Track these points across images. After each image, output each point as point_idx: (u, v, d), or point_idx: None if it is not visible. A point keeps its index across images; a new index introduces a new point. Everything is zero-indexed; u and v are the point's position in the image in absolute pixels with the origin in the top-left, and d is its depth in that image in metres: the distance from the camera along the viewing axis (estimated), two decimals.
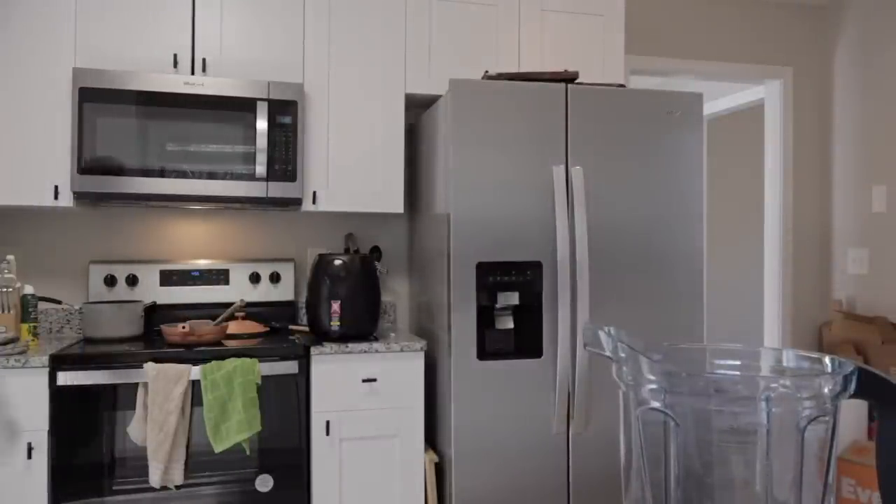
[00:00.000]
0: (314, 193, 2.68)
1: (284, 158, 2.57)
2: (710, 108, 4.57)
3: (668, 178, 2.55)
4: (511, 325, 2.43)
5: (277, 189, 2.57)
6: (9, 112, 2.43)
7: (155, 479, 2.18)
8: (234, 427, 2.22)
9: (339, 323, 2.51)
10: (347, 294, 2.53)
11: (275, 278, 2.88)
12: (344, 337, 2.52)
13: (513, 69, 2.83)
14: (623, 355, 0.51)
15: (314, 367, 2.42)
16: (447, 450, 2.44)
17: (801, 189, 3.85)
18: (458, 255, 2.37)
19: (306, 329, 2.73)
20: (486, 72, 2.56)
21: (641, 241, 2.53)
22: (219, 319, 2.52)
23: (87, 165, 2.41)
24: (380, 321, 2.75)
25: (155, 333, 2.63)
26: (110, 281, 2.71)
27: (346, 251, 2.88)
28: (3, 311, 2.35)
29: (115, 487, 2.23)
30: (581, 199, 2.44)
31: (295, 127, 2.58)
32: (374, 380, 2.46)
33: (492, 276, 2.38)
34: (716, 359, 0.58)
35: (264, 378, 2.31)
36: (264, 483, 2.35)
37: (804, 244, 3.84)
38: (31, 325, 2.48)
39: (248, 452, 2.29)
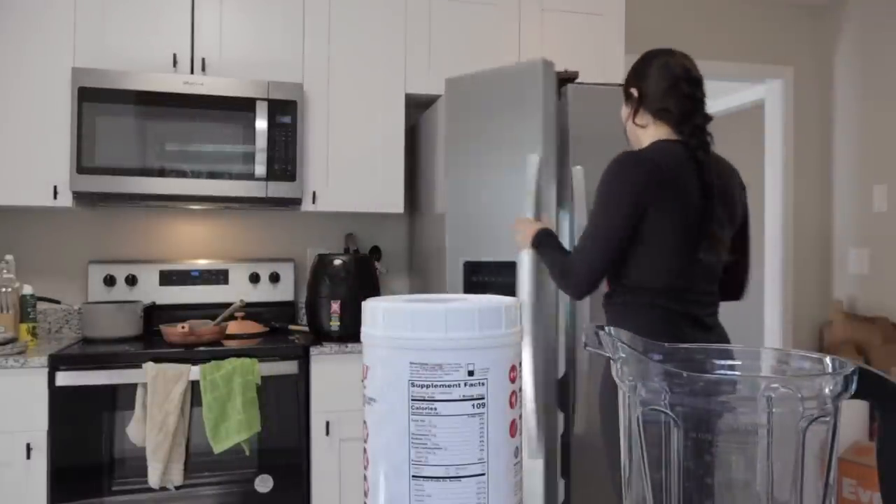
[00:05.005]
0: (314, 193, 2.67)
1: (284, 158, 2.57)
2: (710, 107, 4.55)
3: None
4: None
5: (277, 189, 2.56)
6: (8, 112, 2.43)
7: (154, 479, 2.17)
8: (234, 427, 2.22)
9: (338, 323, 2.51)
10: (347, 294, 2.52)
11: (274, 278, 2.88)
12: (344, 337, 2.51)
13: None
14: (623, 355, 0.51)
15: (314, 367, 2.41)
16: None
17: (801, 188, 3.84)
18: (453, 255, 2.37)
19: (306, 329, 2.72)
20: None
21: None
22: (218, 319, 2.52)
23: (87, 165, 2.40)
24: None
25: (154, 333, 2.63)
26: (109, 281, 2.71)
27: (346, 251, 2.88)
28: (2, 311, 2.34)
29: (114, 488, 2.23)
30: (581, 198, 2.43)
31: (295, 127, 2.58)
32: None
33: (475, 276, 2.37)
34: (716, 359, 0.58)
35: (264, 378, 2.30)
36: (264, 483, 2.35)
37: (805, 244, 3.84)
38: (30, 325, 2.48)
39: (247, 453, 2.29)
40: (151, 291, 2.76)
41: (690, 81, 1.67)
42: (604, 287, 1.77)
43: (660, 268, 1.63)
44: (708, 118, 1.68)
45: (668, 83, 1.66)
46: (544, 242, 1.77)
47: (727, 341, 1.74)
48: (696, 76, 1.69)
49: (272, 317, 2.88)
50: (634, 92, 1.72)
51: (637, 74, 1.73)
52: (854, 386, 0.48)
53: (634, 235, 1.63)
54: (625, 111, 1.78)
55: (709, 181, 1.61)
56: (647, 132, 1.71)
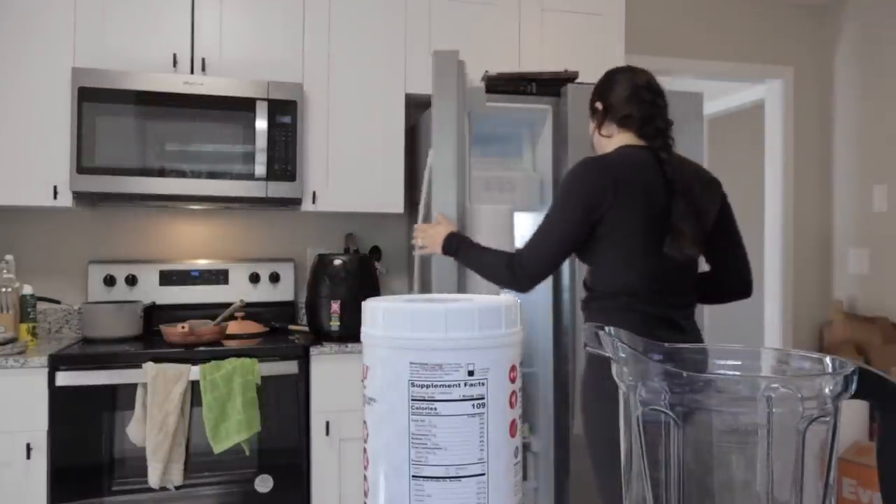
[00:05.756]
0: (314, 193, 2.67)
1: (284, 158, 2.57)
2: (710, 107, 4.57)
3: None
4: None
5: (277, 189, 2.56)
6: (8, 112, 2.43)
7: (154, 479, 2.17)
8: (234, 427, 2.22)
9: (338, 323, 2.51)
10: (347, 294, 2.52)
11: (274, 278, 2.88)
12: (344, 337, 2.51)
13: (513, 69, 2.82)
14: (623, 355, 0.51)
15: (314, 367, 2.41)
16: None
17: (801, 189, 3.84)
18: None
19: (306, 329, 2.72)
20: (486, 72, 2.56)
21: None
22: (218, 319, 2.52)
23: (87, 165, 2.40)
24: None
25: (154, 333, 2.63)
26: (109, 281, 2.71)
27: (346, 251, 2.88)
28: (2, 311, 2.34)
29: (114, 488, 2.23)
30: None
31: (295, 127, 2.58)
32: None
33: None
34: (716, 359, 0.58)
35: (264, 378, 2.30)
36: (264, 483, 2.35)
37: (805, 244, 3.84)
38: (30, 325, 2.48)
39: (247, 453, 2.29)
40: (151, 291, 2.76)
41: (651, 90, 1.79)
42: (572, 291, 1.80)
43: (634, 270, 1.68)
44: (669, 122, 1.77)
45: (629, 92, 1.78)
46: (464, 245, 1.81)
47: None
48: (657, 87, 1.80)
49: (272, 317, 2.88)
50: (599, 105, 1.83)
51: (601, 90, 1.85)
52: (854, 386, 0.48)
53: (605, 239, 1.68)
54: (591, 126, 1.88)
55: (671, 178, 1.69)
56: (613, 141, 1.80)
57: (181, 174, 2.48)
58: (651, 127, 1.75)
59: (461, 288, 1.93)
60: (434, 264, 1.95)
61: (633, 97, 1.77)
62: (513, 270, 1.70)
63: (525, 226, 2.71)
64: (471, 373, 0.52)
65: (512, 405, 0.55)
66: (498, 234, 1.94)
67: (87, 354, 2.25)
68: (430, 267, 2.00)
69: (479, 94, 2.06)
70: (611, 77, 1.84)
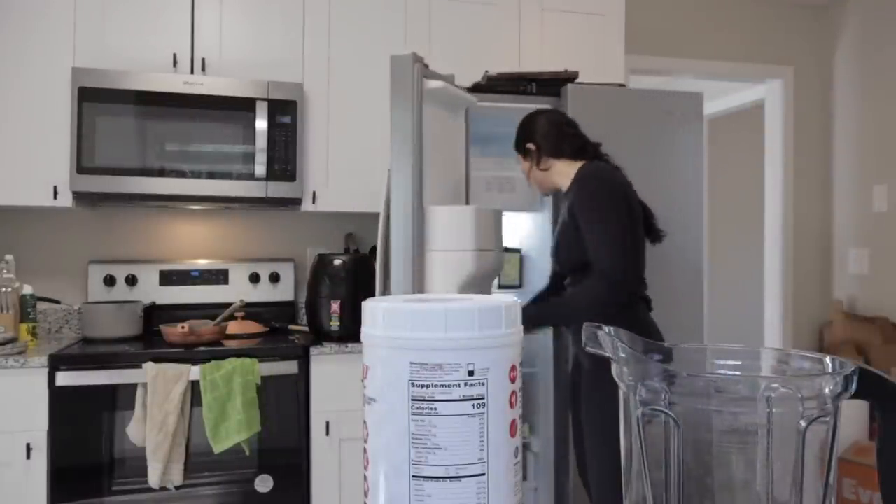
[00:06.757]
0: (314, 193, 2.67)
1: (284, 158, 2.56)
2: (710, 107, 4.57)
3: (668, 177, 2.55)
4: None
5: (277, 189, 2.56)
6: (8, 112, 2.43)
7: (154, 479, 2.17)
8: (234, 427, 2.22)
9: (338, 323, 2.51)
10: (347, 294, 2.52)
11: (274, 278, 2.88)
12: (344, 337, 2.51)
13: (513, 69, 2.82)
14: (623, 355, 0.51)
15: (314, 367, 2.41)
16: None
17: (801, 188, 3.84)
18: None
19: (306, 329, 2.72)
20: (486, 72, 2.56)
21: None
22: (218, 319, 2.52)
23: (87, 165, 2.40)
24: None
25: (154, 333, 2.63)
26: (109, 281, 2.71)
27: (346, 251, 2.88)
28: (2, 311, 2.34)
29: (114, 488, 2.23)
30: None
31: (295, 127, 2.58)
32: None
33: None
34: (716, 359, 0.58)
35: (264, 378, 2.30)
36: (264, 483, 2.35)
37: (805, 244, 3.84)
38: (30, 325, 2.48)
39: (247, 453, 2.29)
40: (151, 291, 2.76)
41: (570, 124, 2.02)
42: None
43: (638, 263, 1.89)
44: (598, 144, 2.01)
45: (555, 129, 2.00)
46: (528, 311, 1.89)
47: None
48: (571, 120, 2.05)
49: (272, 317, 2.87)
50: (531, 146, 2.02)
51: (526, 133, 2.04)
52: (854, 386, 0.48)
53: None
54: (526, 165, 2.05)
55: (629, 181, 1.94)
56: (556, 169, 1.99)
57: (181, 174, 2.48)
58: (589, 152, 1.98)
59: (418, 289, 1.94)
60: (393, 266, 1.94)
61: (559, 133, 1.99)
62: (613, 289, 1.80)
63: (524, 226, 2.71)
64: (471, 373, 0.52)
65: (512, 405, 0.55)
66: (454, 235, 1.93)
67: (87, 354, 2.25)
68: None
69: (437, 95, 2.05)
70: (532, 120, 2.04)
